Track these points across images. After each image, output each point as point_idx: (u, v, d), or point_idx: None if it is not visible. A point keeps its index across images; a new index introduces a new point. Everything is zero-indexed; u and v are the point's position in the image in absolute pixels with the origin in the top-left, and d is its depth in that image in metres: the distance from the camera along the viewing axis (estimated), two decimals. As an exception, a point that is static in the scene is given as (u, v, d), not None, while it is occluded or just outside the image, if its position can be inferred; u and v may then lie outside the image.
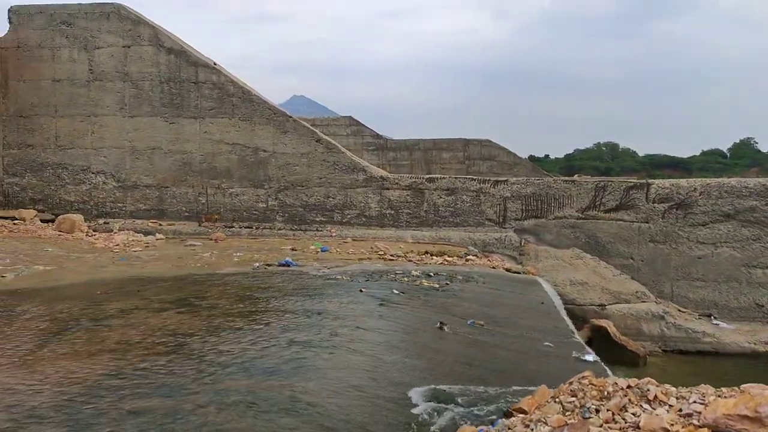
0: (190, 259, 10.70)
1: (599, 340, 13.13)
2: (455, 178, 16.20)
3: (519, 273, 11.77)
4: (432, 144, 35.91)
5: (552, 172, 43.90)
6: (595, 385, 3.43)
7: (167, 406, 3.62)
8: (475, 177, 16.66)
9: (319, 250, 12.63)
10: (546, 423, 3.14)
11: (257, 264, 10.21)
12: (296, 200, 16.56)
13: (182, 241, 13.87)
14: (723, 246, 15.16)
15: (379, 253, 12.49)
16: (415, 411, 4.00)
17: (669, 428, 2.90)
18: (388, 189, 16.22)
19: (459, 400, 4.28)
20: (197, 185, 16.92)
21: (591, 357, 5.86)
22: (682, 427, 2.89)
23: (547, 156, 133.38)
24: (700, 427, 2.87)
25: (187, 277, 8.81)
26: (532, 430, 3.09)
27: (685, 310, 15.18)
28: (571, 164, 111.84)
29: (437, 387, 4.46)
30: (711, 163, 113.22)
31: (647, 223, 15.41)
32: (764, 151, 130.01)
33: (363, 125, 37.99)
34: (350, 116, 38.61)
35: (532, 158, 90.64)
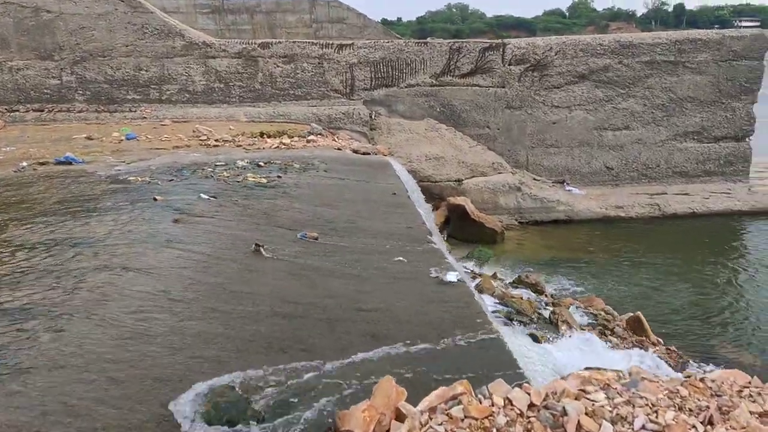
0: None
1: (457, 219, 12.23)
2: (293, 42, 13.84)
3: (368, 154, 10.18)
4: (275, 5, 32.29)
5: (404, 36, 42.08)
6: (476, 419, 1.92)
7: None
8: (316, 41, 14.40)
9: (123, 137, 10.12)
10: None
11: (24, 164, 7.68)
12: (99, 74, 13.42)
13: (-62, 135, 10.64)
14: (577, 109, 14.51)
15: (202, 138, 10.25)
16: (172, 451, 2.31)
17: None
18: (214, 57, 13.54)
19: (257, 406, 2.64)
20: (-41, 59, 13.13)
21: (453, 276, 4.47)
22: None
23: (399, 19, 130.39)
24: None
25: None
26: None
27: (539, 178, 14.66)
28: (423, 27, 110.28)
29: (224, 383, 2.77)
30: (552, 23, 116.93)
31: (503, 87, 14.28)
32: (599, 10, 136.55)
33: (194, -17, 33.23)
34: (177, -28, 33.50)
35: (384, 22, 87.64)
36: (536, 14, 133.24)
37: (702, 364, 6.27)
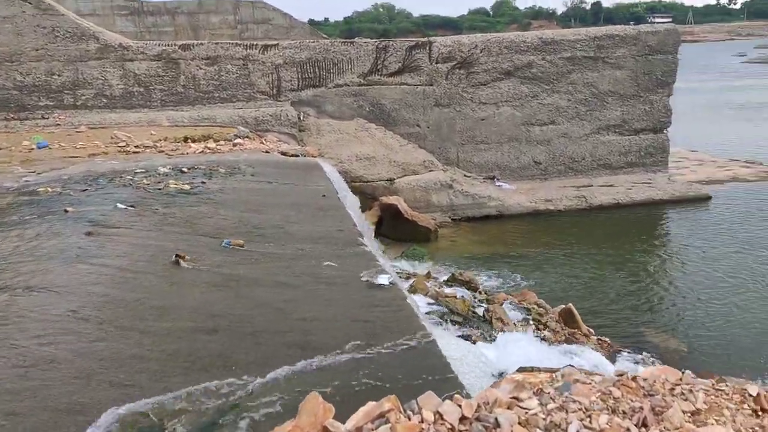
0: None
1: (390, 218, 12.16)
2: (216, 44, 13.42)
3: (297, 156, 9.97)
4: (197, 6, 31.44)
5: (332, 36, 41.87)
6: (405, 439, 1.80)
7: None
8: (240, 42, 14.03)
9: (34, 146, 9.52)
10: None
11: None
12: (7, 80, 12.58)
13: None
14: (504, 105, 14.72)
15: (120, 144, 9.77)
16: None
17: None
18: (132, 60, 12.97)
19: (174, 433, 2.44)
20: None
21: (385, 279, 4.37)
22: None
23: (326, 19, 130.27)
24: None
25: None
26: None
27: (470, 174, 14.80)
28: (351, 27, 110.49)
29: (138, 410, 2.55)
30: (477, 21, 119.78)
31: (432, 85, 14.33)
32: (521, 9, 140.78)
33: (110, -16, 31.91)
34: (92, -27, 32.08)
35: (311, 22, 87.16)
36: (462, 13, 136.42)
37: (632, 353, 6.43)
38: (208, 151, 9.71)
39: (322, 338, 3.45)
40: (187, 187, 6.92)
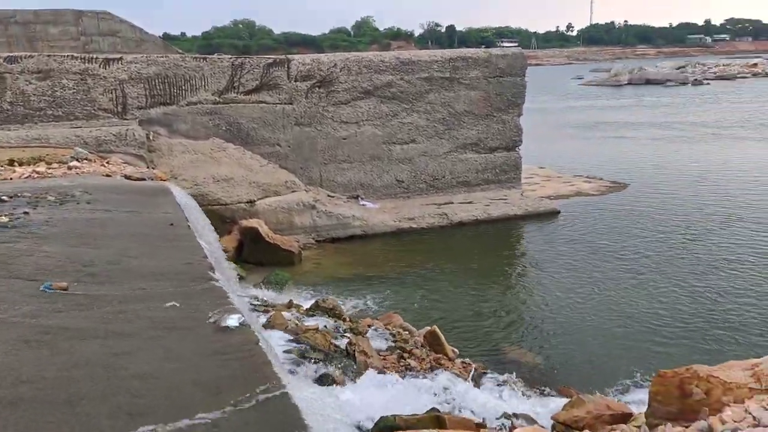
0: None
1: (251, 242, 11.58)
2: (49, 56, 12.12)
3: (143, 179, 9.14)
4: (33, 16, 28.78)
5: (191, 52, 40.24)
6: None
7: None
8: (77, 54, 12.80)
9: None
10: None
11: None
12: None
13: None
14: (365, 124, 14.69)
15: (-75, 170, 8.41)
16: None
17: None
18: (-56, 74, 11.37)
19: None
20: None
21: (235, 320, 3.91)
22: None
23: (183, 34, 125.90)
24: None
25: None
26: None
27: (334, 194, 14.56)
28: (210, 42, 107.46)
29: None
30: (338, 41, 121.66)
31: (291, 104, 13.96)
32: (381, 30, 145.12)
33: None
34: None
35: (166, 36, 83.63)
36: (323, 32, 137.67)
37: (497, 373, 6.42)
38: (37, 175, 8.62)
39: (155, 401, 2.94)
40: (4, 219, 5.98)
